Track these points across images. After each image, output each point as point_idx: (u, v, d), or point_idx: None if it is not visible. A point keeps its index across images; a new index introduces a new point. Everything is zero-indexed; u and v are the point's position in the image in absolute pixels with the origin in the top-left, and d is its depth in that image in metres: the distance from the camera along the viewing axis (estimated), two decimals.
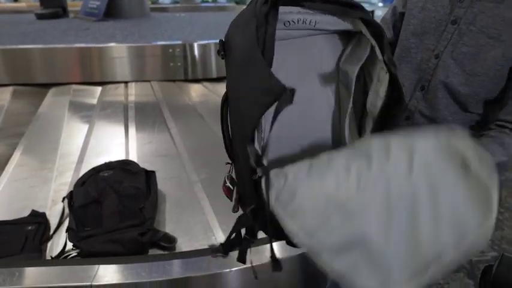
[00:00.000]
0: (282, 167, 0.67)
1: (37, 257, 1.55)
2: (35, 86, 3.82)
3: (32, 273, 1.41)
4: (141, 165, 2.07)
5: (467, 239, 0.55)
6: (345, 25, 0.78)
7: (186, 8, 9.66)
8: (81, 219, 1.65)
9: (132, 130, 2.81)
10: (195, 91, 3.94)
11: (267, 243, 1.40)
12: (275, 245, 1.59)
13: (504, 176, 3.03)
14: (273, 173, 0.66)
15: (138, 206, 1.71)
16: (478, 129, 1.00)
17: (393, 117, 0.77)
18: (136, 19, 6.17)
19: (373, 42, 0.76)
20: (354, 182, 0.59)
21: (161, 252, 1.57)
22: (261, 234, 0.95)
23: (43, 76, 3.89)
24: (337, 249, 0.57)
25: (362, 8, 0.74)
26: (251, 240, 0.93)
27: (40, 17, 6.34)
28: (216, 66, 4.19)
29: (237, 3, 11.38)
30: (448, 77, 0.95)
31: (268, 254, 1.15)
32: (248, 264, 1.43)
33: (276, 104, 0.60)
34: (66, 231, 1.61)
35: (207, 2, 12.31)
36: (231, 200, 0.91)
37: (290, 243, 0.90)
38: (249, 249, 1.02)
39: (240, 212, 0.88)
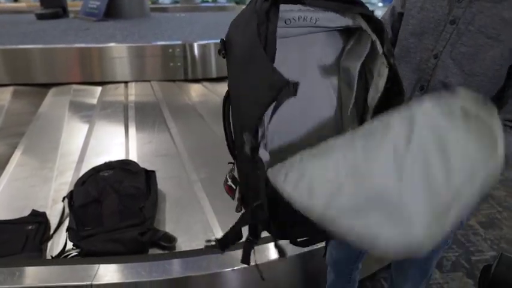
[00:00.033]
0: (285, 160, 0.67)
1: (37, 256, 1.56)
2: (35, 86, 3.82)
3: (32, 272, 1.41)
4: (141, 165, 2.08)
5: (480, 173, 0.56)
6: (345, 22, 0.78)
7: (186, 8, 9.67)
8: (81, 218, 1.66)
9: (132, 130, 2.81)
10: (195, 91, 3.94)
11: (266, 243, 1.41)
12: (274, 245, 1.59)
13: (503, 176, 3.04)
14: (277, 166, 0.66)
15: (138, 205, 1.72)
16: None
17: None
18: (137, 19, 6.17)
19: (374, 38, 0.76)
20: (361, 151, 0.61)
21: (161, 251, 1.58)
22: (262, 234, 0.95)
23: (43, 76, 3.89)
24: (356, 211, 0.56)
25: (362, 4, 0.75)
26: (254, 240, 0.93)
27: (40, 17, 6.34)
28: (215, 66, 4.20)
29: (236, 3, 11.38)
30: (447, 77, 0.95)
31: (267, 253, 1.17)
32: (249, 264, 1.44)
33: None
34: (66, 231, 1.62)
35: (207, 2, 12.31)
36: (233, 199, 0.91)
37: (294, 242, 0.90)
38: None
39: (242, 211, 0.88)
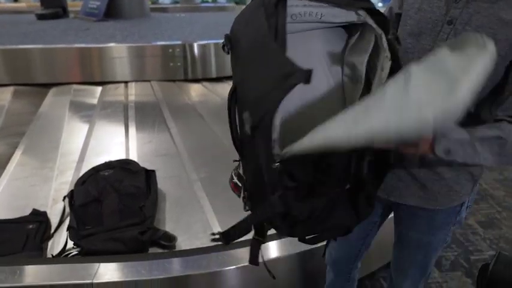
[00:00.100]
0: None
1: (38, 255, 1.56)
2: (35, 86, 3.84)
3: (33, 271, 1.42)
4: (141, 164, 2.09)
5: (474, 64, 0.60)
6: (349, 17, 0.79)
7: (186, 8, 9.68)
8: (81, 218, 1.66)
9: (132, 130, 2.82)
10: (195, 91, 3.95)
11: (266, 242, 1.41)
12: (273, 243, 1.60)
13: (503, 176, 3.05)
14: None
15: (138, 204, 1.73)
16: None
17: None
18: (137, 19, 6.18)
19: (379, 31, 0.77)
20: (361, 105, 0.64)
21: (161, 250, 1.59)
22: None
23: (44, 76, 3.91)
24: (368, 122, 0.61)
25: None
26: (261, 240, 0.94)
27: (40, 17, 6.35)
28: (215, 66, 4.21)
29: (236, 3, 11.39)
30: None
31: (267, 253, 1.17)
32: (247, 263, 1.45)
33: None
34: (67, 230, 1.63)
35: (207, 2, 12.32)
36: (239, 197, 0.91)
37: (302, 239, 0.91)
38: (248, 248, 1.02)
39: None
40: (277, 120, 0.68)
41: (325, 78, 0.91)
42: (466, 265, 2.09)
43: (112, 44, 4.06)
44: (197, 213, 1.83)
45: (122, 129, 2.85)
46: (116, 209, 1.70)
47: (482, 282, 1.38)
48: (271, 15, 0.71)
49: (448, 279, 1.99)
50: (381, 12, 0.78)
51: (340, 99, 0.92)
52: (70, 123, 2.99)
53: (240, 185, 0.90)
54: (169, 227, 1.72)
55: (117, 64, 4.00)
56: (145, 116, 3.11)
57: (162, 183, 2.01)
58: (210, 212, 1.82)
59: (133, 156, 2.36)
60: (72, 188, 1.89)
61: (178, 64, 4.07)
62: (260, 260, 0.93)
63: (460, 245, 2.25)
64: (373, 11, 0.78)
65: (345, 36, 0.89)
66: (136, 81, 3.98)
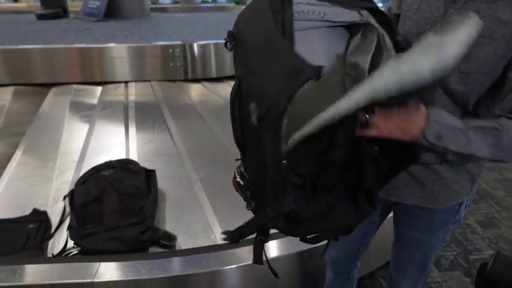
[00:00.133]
0: None
1: (39, 254, 1.57)
2: (36, 86, 3.84)
3: (34, 270, 1.43)
4: (141, 164, 2.09)
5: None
6: (352, 17, 0.80)
7: (186, 8, 9.68)
8: (82, 217, 1.67)
9: (132, 129, 2.83)
10: (195, 91, 3.95)
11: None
12: (273, 243, 1.60)
13: (502, 176, 3.05)
14: None
15: (138, 204, 1.73)
16: None
17: None
18: (137, 19, 6.19)
19: (381, 31, 0.78)
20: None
21: (161, 250, 1.59)
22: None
23: (44, 76, 3.91)
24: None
25: None
26: (264, 239, 0.94)
27: (41, 17, 6.36)
28: (215, 66, 4.22)
29: (236, 3, 11.39)
30: None
31: (267, 252, 1.16)
32: (248, 262, 1.46)
33: None
34: (67, 229, 1.63)
35: (207, 2, 12.33)
36: (241, 195, 0.92)
37: (303, 239, 0.91)
38: (250, 247, 1.02)
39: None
40: (286, 116, 0.70)
41: (326, 77, 0.92)
42: (465, 264, 2.10)
43: (112, 44, 4.06)
44: (197, 212, 1.84)
45: (122, 129, 2.85)
46: (116, 208, 1.71)
47: (481, 282, 1.38)
48: (278, 11, 0.73)
49: (447, 278, 2.00)
50: (383, 12, 0.79)
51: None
52: (70, 123, 2.99)
53: (242, 183, 0.90)
54: (169, 226, 1.73)
55: (117, 64, 4.01)
56: (145, 116, 3.11)
57: (162, 183, 2.02)
58: (209, 212, 1.83)
59: (134, 156, 2.37)
60: (73, 187, 1.90)
61: (178, 64, 4.08)
62: (265, 259, 0.94)
63: (459, 245, 2.26)
64: (375, 11, 0.79)
65: (346, 36, 0.89)
66: (136, 81, 3.99)
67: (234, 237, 0.88)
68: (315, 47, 0.89)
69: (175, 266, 1.45)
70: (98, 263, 1.43)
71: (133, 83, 3.94)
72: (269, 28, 0.73)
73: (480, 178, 1.09)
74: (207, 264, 1.45)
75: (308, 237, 0.90)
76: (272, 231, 0.95)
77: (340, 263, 1.38)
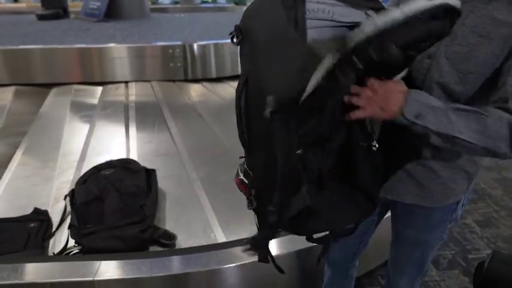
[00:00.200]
0: None
1: (40, 253, 1.58)
2: (36, 86, 3.85)
3: (35, 268, 1.44)
4: (142, 163, 2.10)
5: None
6: (359, 17, 0.81)
7: (185, 9, 9.69)
8: (83, 216, 1.68)
9: (132, 129, 2.84)
10: (195, 91, 3.97)
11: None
12: (272, 242, 1.61)
13: (501, 176, 3.06)
14: None
15: (138, 203, 1.75)
16: None
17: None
18: (137, 20, 6.20)
19: None
20: None
21: (161, 248, 1.60)
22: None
23: (44, 76, 3.92)
24: None
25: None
26: (269, 237, 0.95)
27: (41, 17, 6.37)
28: (215, 66, 4.23)
29: (236, 3, 11.40)
30: (442, 76, 0.97)
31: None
32: (247, 261, 1.47)
33: None
34: (68, 228, 1.64)
35: (207, 2, 12.34)
36: (245, 194, 0.92)
37: (309, 238, 0.92)
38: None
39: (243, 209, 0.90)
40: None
41: None
42: (464, 264, 2.11)
43: (112, 45, 4.08)
44: (197, 212, 1.85)
45: (123, 129, 2.87)
46: (116, 207, 1.72)
47: (478, 280, 1.39)
48: (291, 8, 0.74)
49: (445, 277, 2.01)
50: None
51: None
52: (71, 123, 3.00)
53: (246, 182, 0.90)
54: (169, 225, 1.74)
55: (117, 64, 4.02)
56: (145, 116, 3.12)
57: (162, 182, 2.03)
58: (209, 211, 1.84)
59: (134, 156, 2.38)
60: (73, 187, 1.91)
61: (178, 64, 4.09)
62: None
63: (457, 244, 2.27)
64: (380, 10, 0.80)
65: None
66: (136, 81, 4.00)
67: (264, 240, 0.89)
68: None
69: (175, 265, 1.46)
70: (98, 262, 1.44)
71: (134, 83, 3.95)
72: (282, 24, 0.75)
73: (477, 177, 1.10)
74: (206, 262, 1.46)
75: (314, 237, 0.91)
76: None
77: (339, 262, 1.39)
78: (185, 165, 2.30)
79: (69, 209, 1.79)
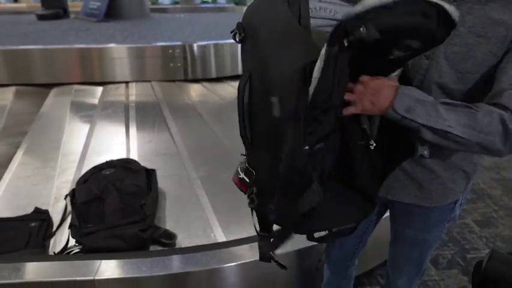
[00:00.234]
0: None
1: (41, 252, 1.59)
2: (37, 86, 3.86)
3: (36, 268, 1.45)
4: (142, 163, 2.11)
5: None
6: None
7: (185, 9, 9.70)
8: (83, 215, 1.69)
9: (132, 129, 2.85)
10: (195, 91, 3.97)
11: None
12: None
13: (500, 176, 3.07)
14: None
15: (139, 203, 1.75)
16: None
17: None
18: (137, 20, 6.21)
19: None
20: None
21: (161, 248, 1.61)
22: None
23: (45, 76, 3.93)
24: None
25: None
26: (269, 236, 0.96)
27: (41, 17, 6.38)
28: (215, 66, 4.23)
29: (236, 4, 11.41)
30: (441, 77, 0.98)
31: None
32: (247, 260, 1.47)
33: None
34: (68, 228, 1.65)
35: (207, 2, 12.36)
36: (245, 193, 0.92)
37: (310, 237, 0.93)
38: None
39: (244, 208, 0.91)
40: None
41: None
42: (463, 263, 2.11)
43: (112, 45, 4.08)
44: (197, 211, 1.85)
45: (123, 129, 2.87)
46: (117, 207, 1.72)
47: (477, 279, 1.40)
48: (294, 3, 0.75)
49: (444, 277, 2.02)
50: None
51: None
52: (71, 123, 3.01)
53: (247, 180, 0.91)
54: (169, 225, 1.75)
55: (117, 64, 4.03)
56: (145, 116, 3.13)
57: (163, 182, 2.04)
58: (209, 210, 1.85)
59: (134, 156, 2.39)
60: (74, 186, 1.92)
61: (179, 64, 4.10)
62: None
63: (456, 244, 2.27)
64: None
65: None
66: (136, 81, 4.01)
67: (282, 239, 0.90)
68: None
69: (176, 264, 1.47)
70: (99, 261, 1.44)
71: (134, 83, 3.96)
72: (286, 18, 0.76)
73: (474, 177, 1.11)
74: (206, 262, 1.47)
75: (315, 235, 0.91)
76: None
77: (338, 261, 1.40)
78: (185, 164, 2.31)
79: (69, 208, 1.80)
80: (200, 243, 1.61)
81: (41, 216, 1.77)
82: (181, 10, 9.60)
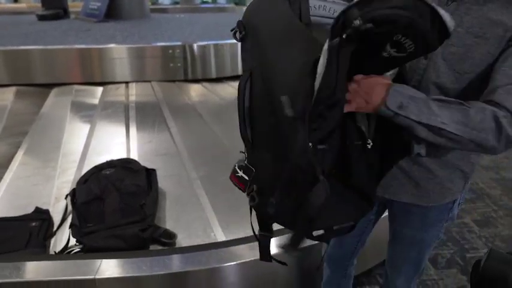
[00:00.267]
0: None
1: (41, 252, 1.60)
2: (37, 86, 3.86)
3: (37, 267, 1.45)
4: (142, 163, 2.12)
5: None
6: None
7: (185, 9, 9.70)
8: (83, 215, 1.69)
9: (133, 129, 2.85)
10: (195, 91, 3.98)
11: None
12: (274, 240, 1.63)
13: (500, 175, 3.08)
14: None
15: (139, 203, 1.76)
16: None
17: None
18: (137, 20, 6.21)
19: None
20: None
21: (161, 247, 1.61)
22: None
23: (45, 77, 3.93)
24: None
25: None
26: (269, 235, 0.96)
27: (41, 18, 6.38)
28: (215, 66, 4.24)
29: (236, 4, 11.42)
30: (439, 77, 0.99)
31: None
32: (247, 259, 1.48)
33: None
34: (69, 227, 1.66)
35: (207, 3, 12.36)
36: (244, 191, 0.92)
37: (309, 235, 0.94)
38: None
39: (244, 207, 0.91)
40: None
41: None
42: (462, 263, 2.12)
43: (112, 45, 4.09)
44: (197, 211, 1.86)
45: (123, 129, 2.88)
46: (117, 207, 1.73)
47: (475, 278, 1.41)
48: (294, 2, 0.76)
49: (443, 276, 2.03)
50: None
51: None
52: (71, 123, 3.02)
53: (246, 178, 0.91)
54: (169, 224, 1.76)
55: (117, 65, 4.03)
56: (145, 116, 3.14)
57: (163, 181, 2.05)
58: (209, 210, 1.85)
59: (134, 156, 2.39)
60: (74, 186, 1.92)
61: (179, 65, 4.11)
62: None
63: (456, 243, 2.28)
64: None
65: None
66: (136, 81, 4.01)
67: (298, 239, 0.90)
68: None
69: (175, 263, 1.48)
70: (99, 260, 1.45)
71: (134, 84, 3.96)
72: (287, 19, 0.76)
73: (474, 176, 1.11)
74: (206, 261, 1.48)
75: (314, 234, 0.92)
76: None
77: (337, 260, 1.40)
78: (185, 164, 2.32)
79: (70, 208, 1.81)
80: (200, 243, 1.62)
81: (41, 216, 1.77)
82: (181, 10, 9.60)
